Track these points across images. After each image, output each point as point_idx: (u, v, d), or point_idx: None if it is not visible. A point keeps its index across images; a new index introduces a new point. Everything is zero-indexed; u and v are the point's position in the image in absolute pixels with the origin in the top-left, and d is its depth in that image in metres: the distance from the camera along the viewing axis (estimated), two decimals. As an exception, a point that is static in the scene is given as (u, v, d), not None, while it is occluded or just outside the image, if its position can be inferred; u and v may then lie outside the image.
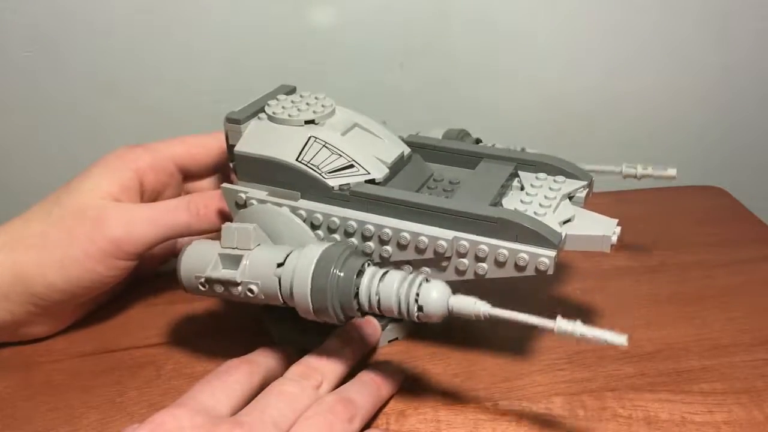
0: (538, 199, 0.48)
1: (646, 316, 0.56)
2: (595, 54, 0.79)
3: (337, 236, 0.48)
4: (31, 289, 0.50)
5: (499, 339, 0.53)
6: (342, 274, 0.42)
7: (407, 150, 0.52)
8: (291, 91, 0.54)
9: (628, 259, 0.63)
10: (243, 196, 0.50)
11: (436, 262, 0.46)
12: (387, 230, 0.46)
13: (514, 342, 0.53)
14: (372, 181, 0.48)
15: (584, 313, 0.56)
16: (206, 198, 0.54)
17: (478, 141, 0.58)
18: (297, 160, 0.48)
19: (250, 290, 0.44)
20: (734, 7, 0.77)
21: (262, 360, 0.47)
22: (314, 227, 0.48)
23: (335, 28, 0.74)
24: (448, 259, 0.46)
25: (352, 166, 0.48)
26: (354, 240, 0.47)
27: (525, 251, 0.43)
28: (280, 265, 0.43)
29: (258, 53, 0.74)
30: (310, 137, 0.49)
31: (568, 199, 0.49)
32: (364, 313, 0.43)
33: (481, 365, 0.51)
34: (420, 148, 0.54)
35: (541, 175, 0.51)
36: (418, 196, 0.47)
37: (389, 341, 0.53)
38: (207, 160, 0.57)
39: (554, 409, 0.47)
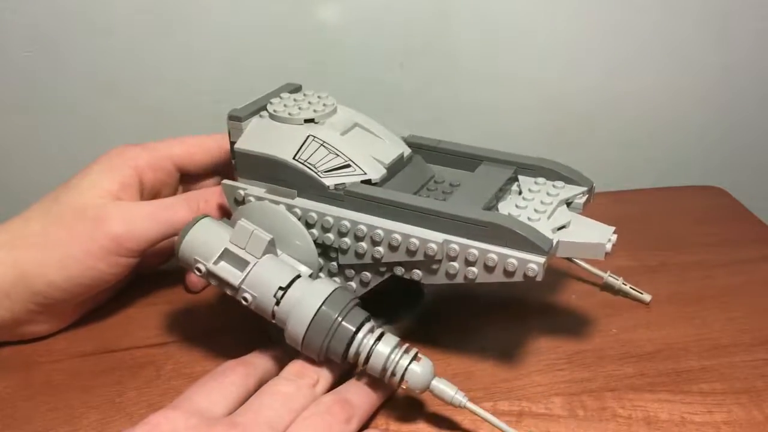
0: (533, 205, 0.47)
1: (646, 316, 0.56)
2: (595, 54, 0.79)
3: (330, 235, 0.48)
4: (32, 288, 0.50)
5: (499, 339, 0.54)
6: (343, 324, 0.44)
7: (407, 151, 0.52)
8: (296, 89, 0.54)
9: (628, 259, 0.63)
10: (242, 192, 0.50)
11: (426, 264, 0.46)
12: (379, 231, 0.46)
13: (514, 342, 0.53)
14: (368, 182, 0.48)
15: (584, 313, 0.56)
16: (206, 194, 0.54)
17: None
18: (294, 158, 0.48)
19: (245, 298, 0.45)
20: (734, 7, 0.77)
21: (259, 361, 0.47)
22: (309, 226, 0.48)
23: (335, 28, 0.74)
24: (439, 262, 0.45)
25: (348, 165, 0.48)
26: (347, 239, 0.47)
27: (514, 257, 0.43)
28: (282, 288, 0.44)
29: (258, 53, 0.74)
30: (308, 136, 0.49)
31: (565, 205, 0.49)
32: (344, 361, 0.45)
33: (481, 365, 0.51)
34: (421, 149, 0.54)
35: (540, 179, 0.50)
36: (410, 197, 0.47)
37: None
38: (205, 160, 0.57)
39: (554, 409, 0.47)
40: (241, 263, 0.45)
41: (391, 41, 0.76)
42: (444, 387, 0.44)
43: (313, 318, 0.43)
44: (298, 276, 0.45)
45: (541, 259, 0.43)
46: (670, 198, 0.75)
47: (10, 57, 0.72)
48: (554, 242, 0.44)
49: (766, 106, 0.84)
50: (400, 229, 0.46)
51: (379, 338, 0.44)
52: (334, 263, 0.49)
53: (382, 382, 0.46)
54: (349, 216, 0.47)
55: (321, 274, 0.50)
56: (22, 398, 0.49)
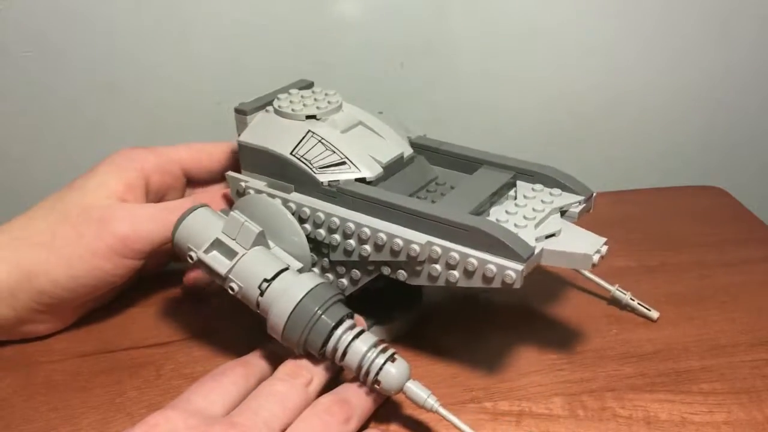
0: (524, 211, 0.47)
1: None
2: (595, 54, 0.79)
3: (322, 231, 0.48)
4: (37, 287, 0.50)
5: (499, 339, 0.54)
6: (322, 318, 0.44)
7: (409, 151, 0.52)
8: (307, 86, 0.55)
9: (628, 259, 0.63)
10: (243, 184, 0.51)
11: (411, 265, 0.46)
12: (365, 229, 0.46)
13: (515, 342, 0.53)
14: (363, 180, 0.48)
15: (585, 314, 0.56)
16: (211, 195, 0.55)
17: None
18: (291, 153, 0.49)
19: (231, 288, 0.46)
20: (735, 7, 0.77)
21: (257, 362, 0.47)
22: (302, 221, 0.49)
23: (335, 28, 0.74)
24: (422, 263, 0.45)
25: (344, 163, 0.48)
26: (337, 236, 0.47)
27: (493, 262, 0.42)
28: (267, 280, 0.45)
29: (258, 53, 0.74)
30: (308, 132, 0.49)
31: (559, 213, 0.48)
32: (322, 357, 0.45)
33: (482, 365, 0.51)
34: (424, 150, 0.54)
35: (538, 186, 0.50)
36: (398, 197, 0.46)
37: None
38: (211, 166, 0.57)
39: (554, 409, 0.47)
40: (230, 253, 0.46)
41: (391, 41, 0.76)
42: (417, 390, 0.43)
43: (294, 309, 0.44)
44: (286, 269, 0.46)
45: (519, 267, 0.42)
46: (670, 198, 0.75)
47: (10, 57, 0.72)
48: (537, 250, 0.43)
49: (767, 106, 0.84)
50: (385, 228, 0.45)
51: (357, 335, 0.44)
52: (327, 259, 0.50)
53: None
54: (339, 213, 0.47)
55: (314, 269, 0.50)
56: (22, 398, 0.49)
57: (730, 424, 0.46)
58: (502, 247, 0.42)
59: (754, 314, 0.56)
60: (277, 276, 0.45)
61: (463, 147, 0.54)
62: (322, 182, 0.48)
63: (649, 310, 0.55)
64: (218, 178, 0.58)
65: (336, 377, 0.47)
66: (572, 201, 0.48)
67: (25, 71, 0.73)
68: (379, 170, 0.49)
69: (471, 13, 0.75)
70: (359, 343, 0.44)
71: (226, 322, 0.55)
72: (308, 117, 0.50)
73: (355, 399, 0.44)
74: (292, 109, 0.51)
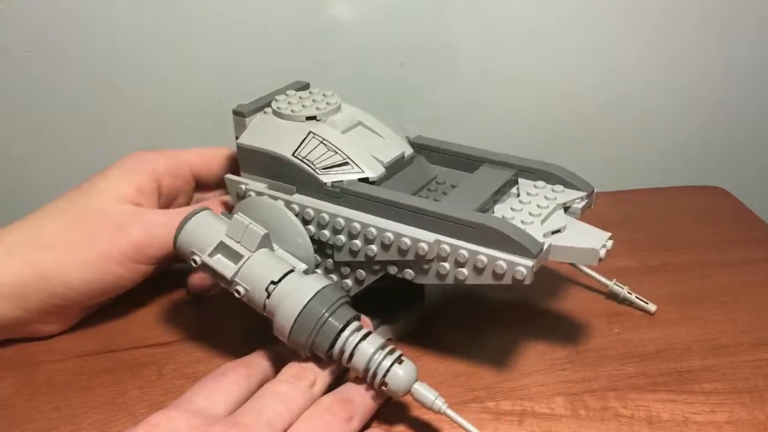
0: (529, 208, 0.47)
1: (647, 316, 0.56)
2: (596, 54, 0.79)
3: (326, 232, 0.48)
4: (49, 289, 0.50)
5: (501, 339, 0.54)
6: (329, 320, 0.44)
7: (409, 151, 0.52)
8: (303, 87, 0.55)
9: (629, 259, 0.63)
10: (243, 187, 0.51)
11: (418, 264, 0.46)
12: (372, 229, 0.46)
13: (517, 342, 0.53)
14: (366, 180, 0.48)
15: (586, 314, 0.56)
16: (223, 201, 0.55)
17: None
18: (293, 154, 0.49)
19: (238, 291, 0.46)
20: (735, 7, 0.77)
21: (260, 362, 0.47)
22: (306, 222, 0.48)
23: (336, 28, 0.74)
24: (430, 262, 0.45)
25: (346, 163, 0.48)
26: (342, 237, 0.47)
27: (503, 259, 0.43)
28: (274, 282, 0.45)
29: (258, 53, 0.74)
30: (309, 133, 0.49)
31: (562, 209, 0.48)
32: (329, 359, 0.45)
33: (483, 365, 0.51)
34: (424, 149, 0.54)
35: (540, 183, 0.50)
36: (404, 196, 0.46)
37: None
38: (220, 171, 0.57)
39: (556, 408, 0.47)
40: (235, 256, 0.46)
41: (391, 41, 0.76)
42: (424, 392, 0.43)
43: (301, 312, 0.44)
44: (291, 271, 0.46)
45: (530, 263, 0.42)
46: (670, 198, 0.75)
47: (10, 57, 0.72)
48: (545, 246, 0.44)
49: (767, 106, 0.84)
50: (392, 228, 0.45)
51: (364, 337, 0.44)
52: (331, 260, 0.50)
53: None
54: (344, 213, 0.47)
55: (318, 270, 0.50)
56: (24, 398, 0.49)
57: (732, 423, 0.46)
58: (511, 243, 0.42)
59: (756, 314, 0.56)
60: (283, 278, 0.45)
61: (463, 146, 0.54)
62: (325, 183, 0.48)
63: (647, 303, 0.56)
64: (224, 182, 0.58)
65: (340, 379, 0.47)
66: (575, 197, 0.49)
67: (25, 71, 0.72)
68: (381, 170, 0.49)
69: (471, 13, 0.75)
70: (366, 344, 0.44)
71: (228, 322, 0.55)
72: (308, 118, 0.50)
73: (357, 398, 0.44)
74: (292, 111, 0.51)
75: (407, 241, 0.45)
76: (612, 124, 0.83)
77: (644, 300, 0.56)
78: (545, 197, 0.48)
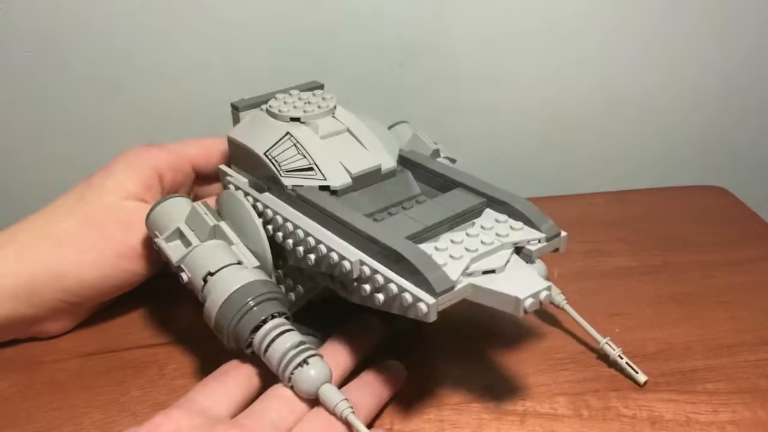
0: (471, 242, 0.43)
1: (649, 316, 0.56)
2: (596, 54, 0.79)
3: (279, 235, 0.47)
4: (63, 287, 0.51)
5: (503, 339, 0.53)
6: (252, 310, 0.44)
7: (390, 165, 0.50)
8: (316, 87, 0.55)
9: (630, 259, 0.63)
10: (228, 179, 0.52)
11: (347, 282, 0.43)
12: (311, 239, 0.44)
13: (518, 342, 0.53)
14: (327, 188, 0.47)
15: (587, 314, 0.56)
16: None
17: (452, 160, 0.55)
18: (265, 153, 0.49)
19: (181, 277, 0.47)
20: (735, 7, 0.77)
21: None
22: (266, 222, 0.48)
23: (335, 28, 0.74)
24: (354, 282, 0.43)
25: (311, 169, 0.47)
26: (290, 242, 0.46)
27: (409, 292, 0.39)
28: (211, 273, 0.45)
29: (258, 53, 0.74)
30: (286, 134, 0.49)
31: (512, 249, 0.43)
32: (251, 354, 0.44)
33: (485, 365, 0.51)
34: (410, 165, 0.51)
35: (502, 217, 0.45)
36: (344, 211, 0.44)
37: None
38: (219, 162, 0.57)
39: (558, 408, 0.47)
40: (187, 244, 0.47)
41: (391, 41, 0.76)
42: (330, 395, 0.41)
43: (227, 299, 0.44)
44: (234, 264, 0.46)
45: (431, 300, 0.38)
46: (671, 198, 0.75)
47: (10, 57, 0.72)
48: (460, 285, 0.40)
49: (767, 106, 0.84)
50: (327, 240, 0.43)
51: (284, 333, 0.43)
52: (287, 265, 0.49)
53: (385, 380, 0.47)
54: (293, 219, 0.46)
55: (279, 272, 0.50)
56: (26, 397, 0.49)
57: (734, 423, 0.46)
58: (419, 276, 0.39)
59: (757, 313, 0.56)
60: (221, 269, 0.45)
61: (445, 166, 0.51)
62: (286, 186, 0.47)
63: (637, 373, 0.49)
64: None
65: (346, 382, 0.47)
66: (531, 238, 0.44)
67: (25, 71, 0.72)
68: (347, 180, 0.47)
69: (471, 13, 0.75)
70: (281, 341, 0.43)
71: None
72: (292, 119, 0.50)
73: (359, 399, 0.44)
74: (279, 110, 0.50)
75: (335, 256, 0.43)
76: (612, 124, 0.83)
77: (635, 369, 0.49)
78: (497, 233, 0.44)
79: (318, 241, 0.44)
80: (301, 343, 0.43)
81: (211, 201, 0.53)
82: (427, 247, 0.42)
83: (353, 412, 0.41)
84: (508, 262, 0.42)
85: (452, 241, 0.43)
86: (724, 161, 0.87)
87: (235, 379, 0.45)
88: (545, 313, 0.56)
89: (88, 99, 0.75)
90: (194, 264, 0.46)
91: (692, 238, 0.67)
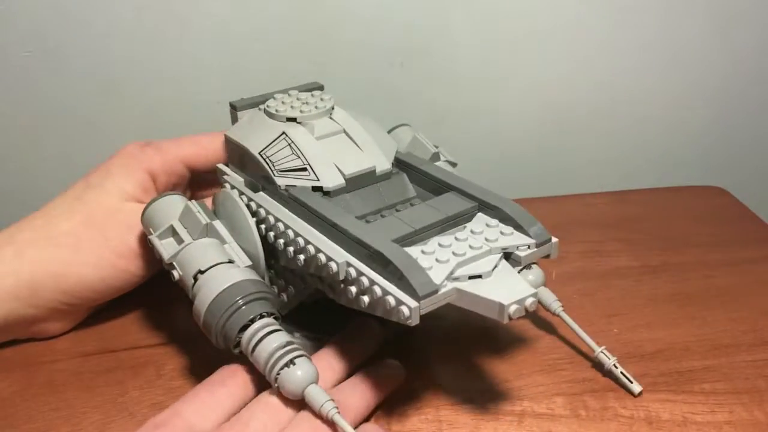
0: (459, 246, 0.42)
1: (647, 316, 0.56)
2: (596, 54, 0.79)
3: (271, 234, 0.47)
4: (63, 288, 0.51)
5: (501, 339, 0.54)
6: (241, 309, 0.43)
7: (385, 167, 0.49)
8: (313, 88, 0.55)
9: (629, 259, 0.63)
10: (224, 177, 0.52)
11: (335, 283, 0.43)
12: (300, 240, 0.44)
13: (516, 342, 0.53)
14: (320, 189, 0.47)
15: (585, 314, 0.56)
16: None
17: (453, 164, 0.55)
18: (260, 152, 0.49)
19: (173, 275, 0.47)
20: (735, 7, 0.77)
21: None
22: (260, 222, 0.48)
23: (335, 28, 0.74)
24: (341, 284, 0.43)
25: (304, 169, 0.47)
26: (281, 242, 0.46)
27: (393, 295, 0.39)
28: (201, 271, 0.45)
29: (258, 53, 0.74)
30: (282, 134, 0.49)
31: (500, 255, 0.43)
32: (240, 353, 0.44)
33: (483, 365, 0.51)
34: (406, 168, 0.51)
35: (493, 222, 0.45)
36: (335, 212, 0.44)
37: None
38: (217, 160, 0.56)
39: (556, 409, 0.47)
40: (179, 241, 0.47)
41: (391, 41, 0.76)
42: (315, 396, 0.41)
43: (216, 297, 0.43)
44: (225, 263, 0.46)
45: (413, 304, 0.38)
46: (670, 198, 0.75)
47: (10, 57, 0.72)
48: (444, 290, 0.39)
49: (767, 106, 0.84)
50: (315, 241, 0.43)
51: (272, 333, 0.43)
52: (279, 265, 0.49)
53: (378, 381, 0.46)
54: (285, 219, 0.46)
55: (272, 271, 0.50)
56: (24, 398, 0.49)
57: (732, 424, 0.46)
58: (404, 280, 0.39)
59: (756, 314, 0.56)
60: (211, 268, 0.45)
61: (439, 169, 0.50)
62: (279, 185, 0.47)
63: (632, 383, 0.49)
64: None
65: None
66: (520, 243, 0.43)
67: (25, 71, 0.72)
68: (340, 181, 0.47)
69: (471, 13, 0.75)
70: (269, 341, 0.42)
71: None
72: (289, 119, 0.50)
73: (350, 401, 0.44)
74: (276, 110, 0.50)
75: (322, 258, 0.42)
76: (612, 124, 0.83)
77: (630, 378, 0.49)
78: (486, 238, 0.43)
79: (307, 242, 0.44)
80: (289, 343, 0.42)
81: (208, 201, 0.53)
82: (413, 250, 0.42)
83: (338, 413, 0.40)
84: (495, 267, 0.41)
85: (440, 245, 0.42)
86: (724, 161, 0.87)
87: (228, 388, 0.44)
88: (541, 319, 0.56)
89: (87, 99, 0.75)
90: (185, 261, 0.46)
91: (692, 238, 0.67)
